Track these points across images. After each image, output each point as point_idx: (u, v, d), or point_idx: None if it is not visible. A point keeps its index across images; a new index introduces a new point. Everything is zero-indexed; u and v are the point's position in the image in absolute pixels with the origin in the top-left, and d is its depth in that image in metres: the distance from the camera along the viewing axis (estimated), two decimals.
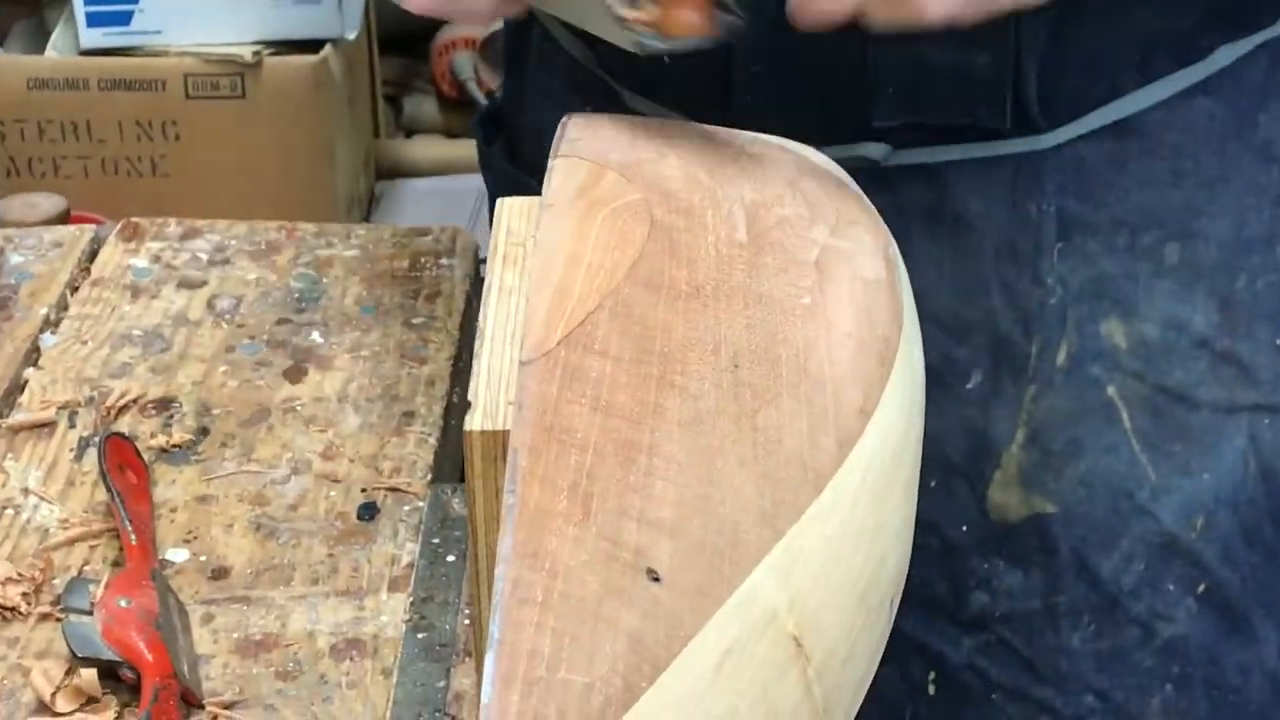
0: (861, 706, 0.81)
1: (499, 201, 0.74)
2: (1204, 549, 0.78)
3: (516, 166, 0.96)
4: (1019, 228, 0.75)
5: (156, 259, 0.99)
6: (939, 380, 0.78)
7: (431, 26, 2.18)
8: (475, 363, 0.66)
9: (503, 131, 0.98)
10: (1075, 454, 0.78)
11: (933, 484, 0.79)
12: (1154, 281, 0.78)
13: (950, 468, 0.79)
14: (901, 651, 0.80)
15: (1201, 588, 0.79)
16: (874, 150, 0.75)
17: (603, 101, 0.81)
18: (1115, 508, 0.78)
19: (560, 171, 0.69)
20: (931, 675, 0.81)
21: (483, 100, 2.15)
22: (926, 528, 0.79)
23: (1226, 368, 0.78)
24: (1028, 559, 0.79)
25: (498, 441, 0.60)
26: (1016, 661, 0.79)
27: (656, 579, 0.49)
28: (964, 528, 0.79)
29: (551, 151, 0.71)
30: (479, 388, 0.63)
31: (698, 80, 0.76)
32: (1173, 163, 0.76)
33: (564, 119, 0.73)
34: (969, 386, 0.78)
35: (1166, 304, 0.78)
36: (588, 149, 0.70)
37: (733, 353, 0.58)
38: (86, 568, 0.75)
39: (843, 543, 0.53)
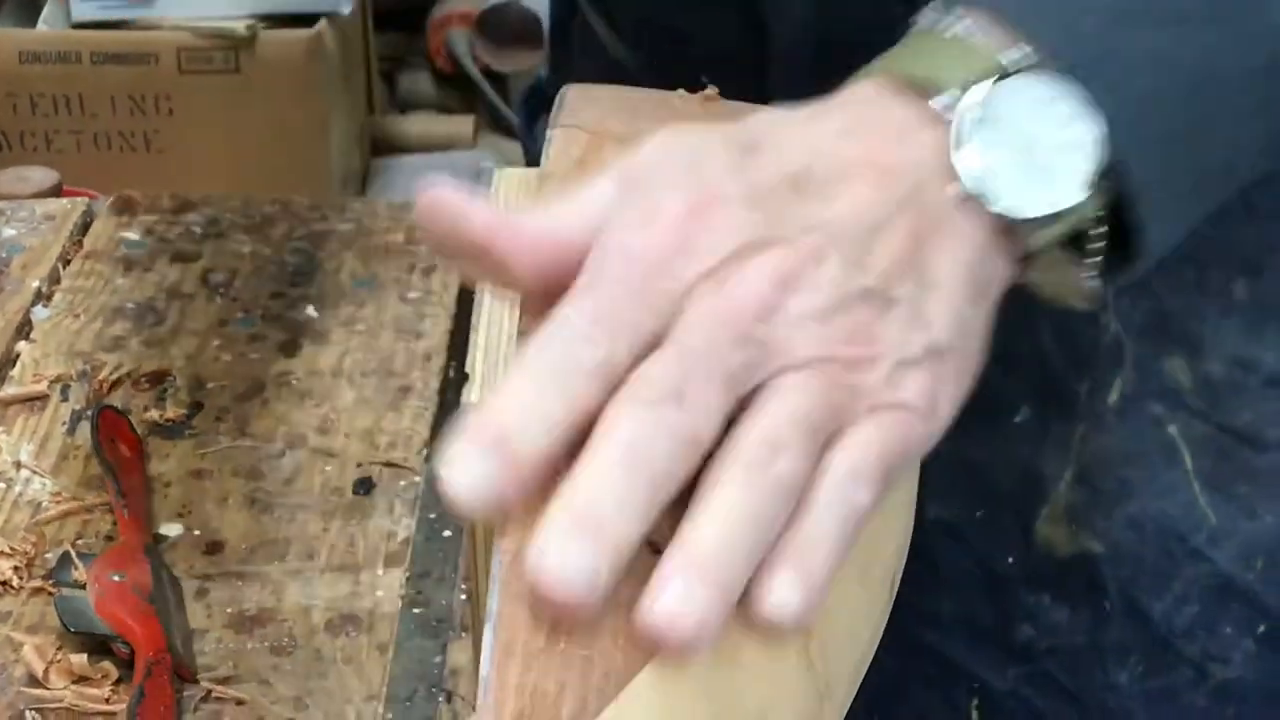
0: None
1: (496, 172, 0.74)
2: (1264, 590, 0.77)
3: None
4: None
5: (149, 232, 0.98)
6: (986, 412, 0.77)
7: (427, 2, 2.17)
8: (473, 335, 0.65)
9: (546, 109, 0.97)
10: (1126, 494, 0.76)
11: (979, 514, 0.78)
12: (1221, 319, 0.76)
13: (998, 499, 0.78)
14: (946, 677, 0.79)
15: (1261, 629, 0.77)
16: None
17: None
18: (1167, 550, 0.76)
19: (559, 141, 0.68)
20: (975, 702, 0.80)
21: (479, 77, 2.15)
22: (973, 557, 0.78)
23: None
24: (1075, 596, 0.77)
25: None
26: (1062, 695, 0.78)
27: (657, 551, 0.49)
28: (1010, 560, 0.78)
29: (550, 121, 0.70)
30: (477, 360, 0.63)
31: (731, 75, 0.74)
32: (1244, 196, 0.73)
33: (563, 89, 0.72)
34: (1017, 420, 0.77)
35: (1234, 342, 0.76)
36: (588, 119, 0.69)
37: None
38: (79, 542, 0.75)
39: None
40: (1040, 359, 0.76)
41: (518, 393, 0.48)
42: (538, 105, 0.98)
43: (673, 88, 0.68)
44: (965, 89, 0.51)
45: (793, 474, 0.47)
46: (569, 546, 0.45)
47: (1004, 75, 0.51)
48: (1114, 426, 0.75)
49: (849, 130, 0.51)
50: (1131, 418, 0.75)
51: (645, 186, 0.50)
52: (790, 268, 0.48)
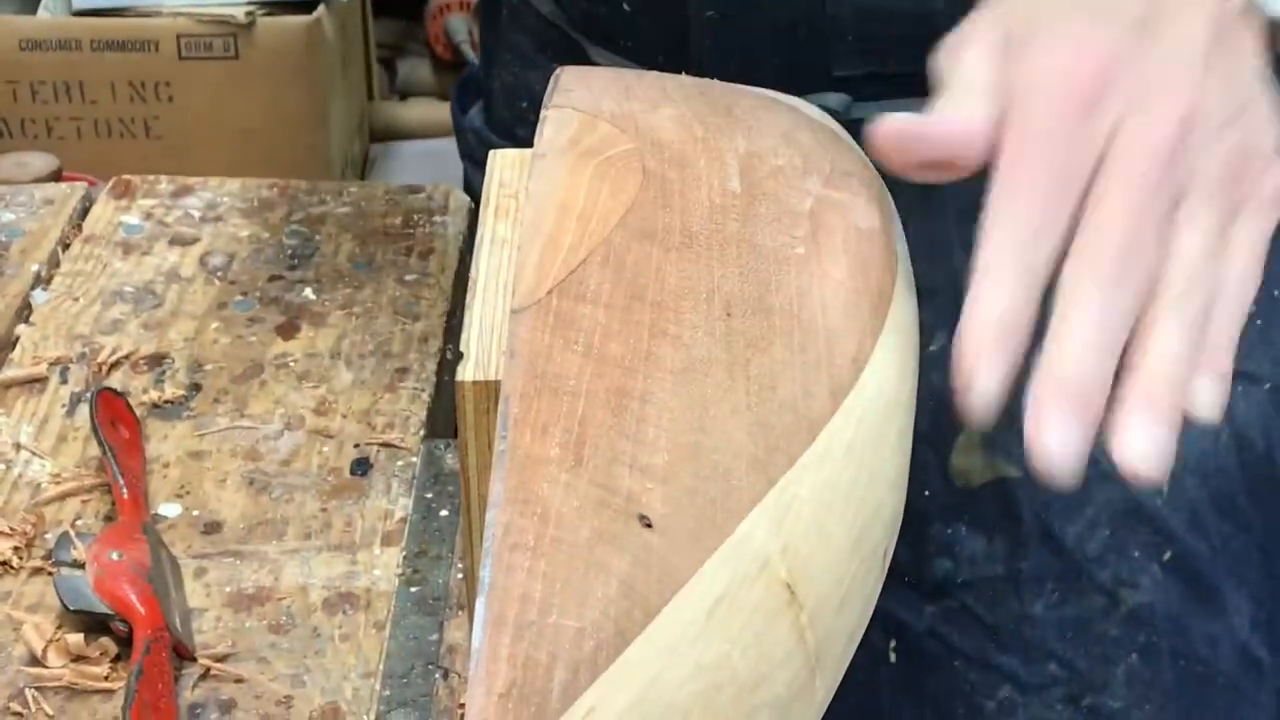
0: None
1: (491, 153, 0.74)
2: (1170, 516, 0.78)
3: (491, 128, 0.95)
4: (982, 188, 0.75)
5: (148, 216, 0.99)
6: None
7: None
8: (467, 314, 0.65)
9: (479, 96, 0.98)
10: None
11: None
12: None
13: (914, 432, 0.79)
14: None
15: (1167, 555, 0.78)
16: (834, 101, 0.75)
17: (567, 57, 0.80)
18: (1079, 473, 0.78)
19: (553, 122, 0.68)
20: (893, 644, 0.80)
21: (477, 63, 2.14)
22: None
23: None
24: (990, 525, 0.78)
25: (490, 392, 0.60)
26: (979, 629, 0.79)
27: (649, 525, 0.49)
28: (926, 493, 0.79)
29: (544, 102, 0.70)
30: (471, 339, 0.63)
31: (655, 31, 0.75)
32: None
33: (557, 70, 0.72)
34: (932, 349, 0.78)
35: None
36: (581, 100, 0.69)
37: (725, 301, 0.57)
38: (78, 522, 0.75)
39: (836, 491, 0.53)
40: (955, 286, 0.76)
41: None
42: (469, 96, 0.98)
43: (594, 40, 0.69)
44: None
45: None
46: (1067, 429, 0.52)
47: None
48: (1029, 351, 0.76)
49: None
50: (1039, 342, 0.76)
51: (1030, 43, 0.55)
52: (1187, 107, 0.54)
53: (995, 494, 0.78)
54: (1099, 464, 0.76)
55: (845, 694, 0.81)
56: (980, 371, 0.54)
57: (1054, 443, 0.52)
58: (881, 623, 0.79)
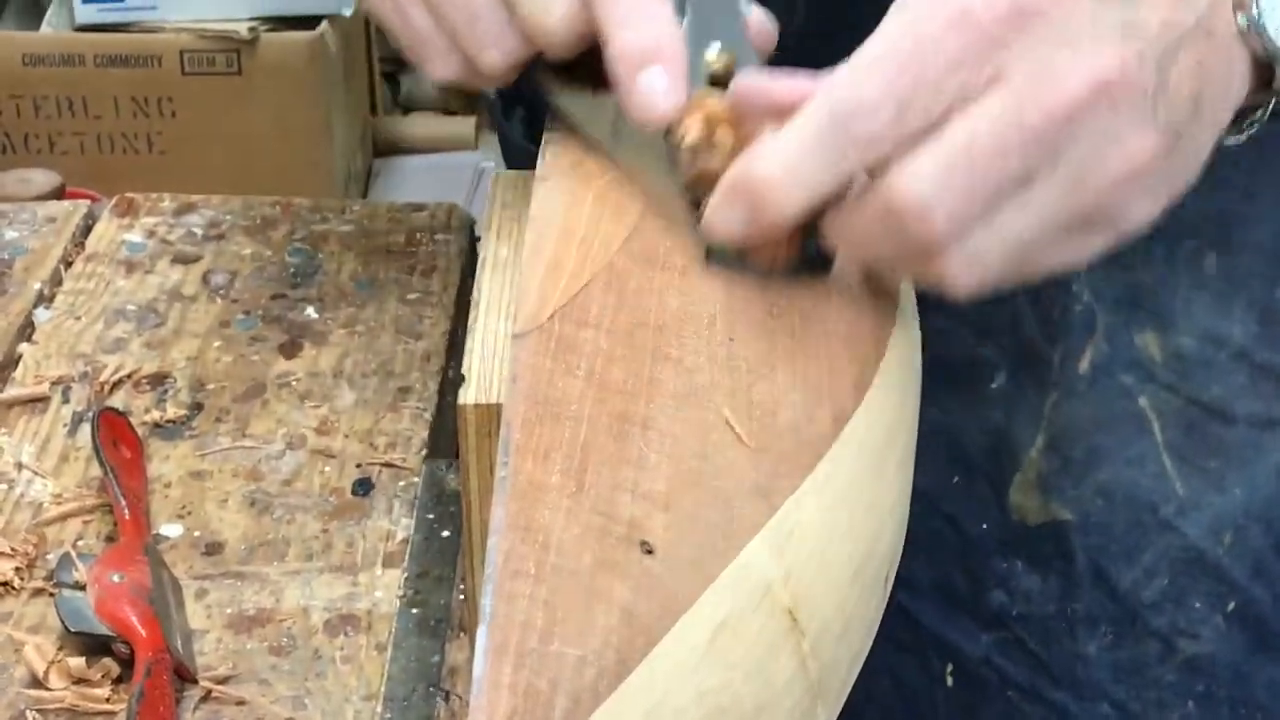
0: (883, 694, 0.81)
1: (493, 175, 0.74)
2: (1233, 565, 0.77)
3: (532, 140, 0.95)
4: None
5: (151, 234, 0.99)
6: (965, 378, 0.77)
7: None
8: (469, 337, 0.66)
9: (519, 102, 0.97)
10: (1096, 463, 0.77)
11: (955, 480, 0.78)
12: (1192, 292, 0.76)
13: (973, 465, 0.79)
14: (920, 642, 0.79)
15: (1231, 605, 0.78)
16: None
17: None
18: (1137, 520, 0.77)
19: (555, 145, 0.68)
20: (949, 668, 0.80)
21: None
22: (947, 523, 0.78)
23: (1266, 381, 0.77)
24: (1045, 563, 0.78)
25: (491, 415, 0.60)
26: (1032, 663, 0.79)
27: (650, 552, 0.49)
28: (984, 525, 0.79)
29: (546, 124, 0.70)
30: (473, 362, 0.63)
31: None
32: (1213, 171, 0.74)
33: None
34: (993, 386, 0.77)
35: (1204, 316, 0.76)
36: None
37: (728, 326, 0.57)
38: (80, 543, 0.75)
39: (837, 517, 0.53)
40: (1015, 326, 0.76)
41: (785, 150, 0.53)
42: (512, 99, 0.98)
43: None
44: None
45: None
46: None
47: None
48: (1085, 395, 0.76)
49: None
50: (1102, 387, 0.76)
51: None
52: (1116, 75, 0.52)
53: (1050, 534, 0.77)
54: (1157, 513, 0.76)
55: (903, 712, 0.81)
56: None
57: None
58: (938, 647, 0.79)
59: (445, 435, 0.85)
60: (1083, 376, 0.76)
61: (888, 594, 0.57)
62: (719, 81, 0.62)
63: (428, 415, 0.85)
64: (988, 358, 0.78)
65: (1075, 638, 0.78)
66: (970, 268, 0.54)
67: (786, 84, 0.56)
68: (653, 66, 0.60)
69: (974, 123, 0.52)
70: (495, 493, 0.51)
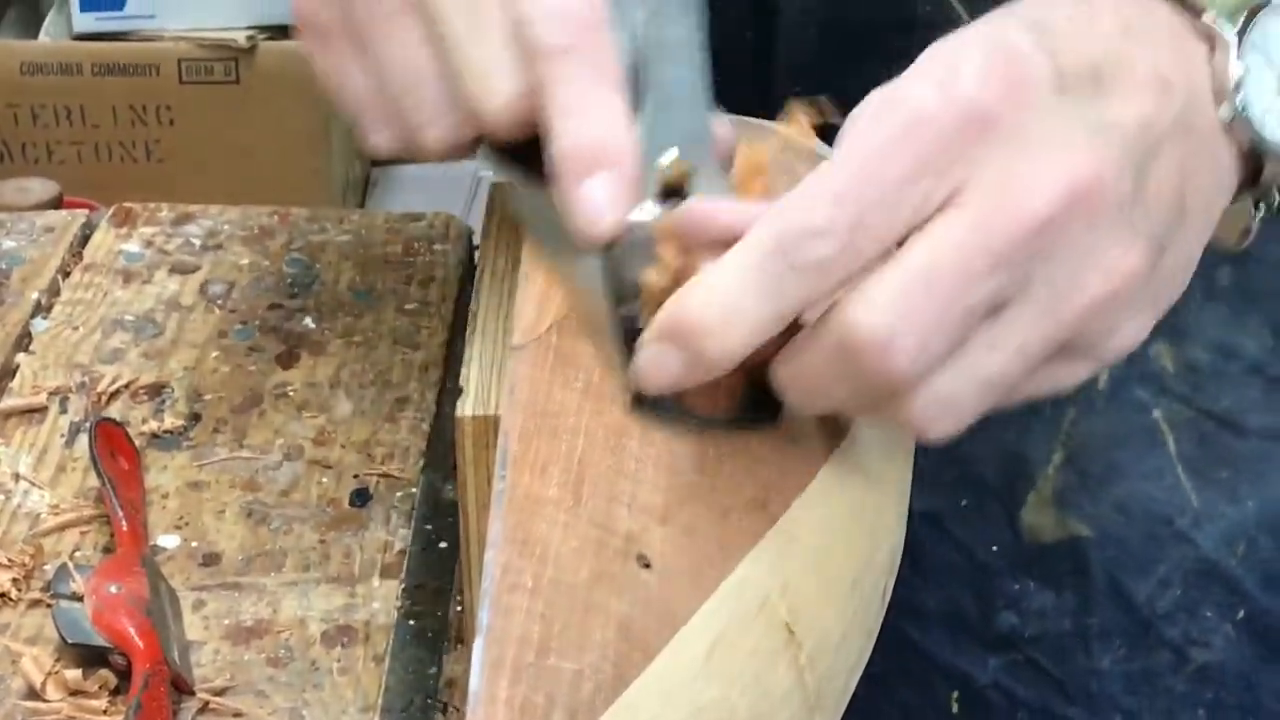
0: None
1: (492, 185, 0.74)
2: (1244, 575, 0.77)
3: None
4: None
5: (149, 244, 0.99)
6: None
7: None
8: (467, 348, 0.66)
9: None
10: (1113, 477, 0.77)
11: (965, 504, 0.78)
12: (1206, 305, 0.76)
13: (984, 488, 0.78)
14: (924, 671, 0.79)
15: (1240, 614, 0.78)
16: None
17: None
18: (1152, 533, 0.77)
19: None
20: (955, 694, 0.80)
21: None
22: (957, 547, 0.78)
23: (1278, 394, 0.77)
24: (1060, 581, 0.78)
25: (489, 427, 0.60)
26: (1045, 681, 0.79)
27: (647, 566, 0.49)
28: (995, 548, 0.78)
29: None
30: (470, 373, 0.63)
31: (736, 57, 0.73)
32: None
33: None
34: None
35: (1218, 328, 0.76)
36: None
37: None
38: (77, 554, 0.75)
39: (835, 529, 0.53)
40: None
41: (724, 283, 0.47)
42: None
43: None
44: (1230, 11, 0.51)
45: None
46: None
47: (1261, 5, 0.51)
48: (1103, 410, 0.76)
49: (1130, 28, 0.50)
50: (1118, 401, 0.76)
51: (943, 56, 0.48)
52: (1087, 183, 0.47)
53: (1066, 551, 0.77)
54: (1172, 525, 0.76)
55: None
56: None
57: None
58: (944, 675, 0.79)
59: (443, 446, 0.85)
60: (1101, 392, 0.76)
61: (885, 605, 0.57)
62: (672, 192, 0.55)
63: (425, 426, 0.85)
64: None
65: (1090, 653, 0.78)
66: (941, 411, 0.49)
67: (737, 210, 0.50)
68: (599, 173, 0.53)
69: (934, 245, 0.47)
70: (493, 505, 0.51)
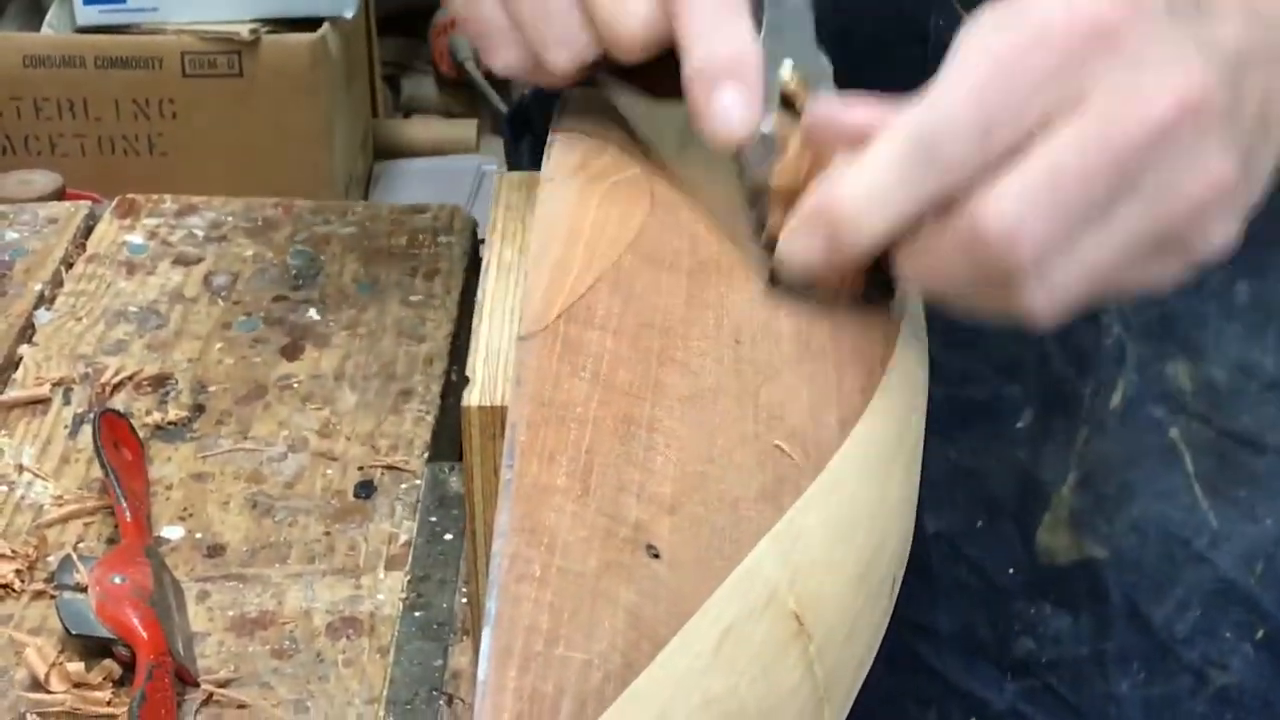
0: None
1: (498, 176, 0.74)
2: (1263, 595, 0.77)
3: (536, 168, 0.95)
4: None
5: (152, 235, 0.98)
6: (989, 418, 0.77)
7: (431, 6, 2.17)
8: (473, 338, 0.65)
9: (530, 130, 0.97)
10: (1129, 498, 0.76)
11: (979, 524, 0.77)
12: (1223, 322, 0.76)
13: (998, 508, 0.78)
14: (941, 696, 0.79)
15: (1260, 634, 0.77)
16: None
17: None
18: (1169, 554, 0.76)
19: (560, 145, 0.68)
20: None
21: (482, 81, 2.15)
22: (971, 569, 0.78)
23: None
24: (1076, 604, 0.77)
25: (496, 417, 0.60)
26: (1063, 708, 0.78)
27: (656, 555, 0.49)
28: (1010, 570, 0.78)
29: (552, 125, 0.70)
30: (477, 363, 0.63)
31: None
32: None
33: (564, 93, 0.72)
34: (1019, 426, 0.77)
35: (1236, 345, 0.76)
36: (589, 123, 0.69)
37: (735, 328, 0.57)
38: (81, 545, 0.75)
39: (844, 521, 0.53)
40: (1043, 363, 0.76)
41: (869, 176, 0.52)
42: (522, 125, 0.98)
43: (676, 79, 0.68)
44: None
45: None
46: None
47: None
48: (1117, 430, 0.75)
49: None
50: (1133, 421, 0.75)
51: None
52: (1198, 96, 0.50)
53: (1082, 573, 0.77)
54: (1190, 545, 0.75)
55: None
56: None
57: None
58: (960, 700, 0.79)
59: (447, 438, 0.85)
60: (1114, 411, 0.75)
61: (894, 598, 0.56)
62: (792, 100, 0.60)
63: (430, 418, 0.84)
64: (1013, 396, 0.77)
65: (1107, 678, 0.77)
66: (1050, 297, 0.52)
67: (862, 110, 0.54)
68: (730, 85, 0.58)
69: (1059, 147, 0.50)
70: (500, 495, 0.50)
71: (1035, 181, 0.50)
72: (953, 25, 0.60)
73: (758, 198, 0.59)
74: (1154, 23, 0.51)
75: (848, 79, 0.58)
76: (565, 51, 0.63)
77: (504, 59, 0.65)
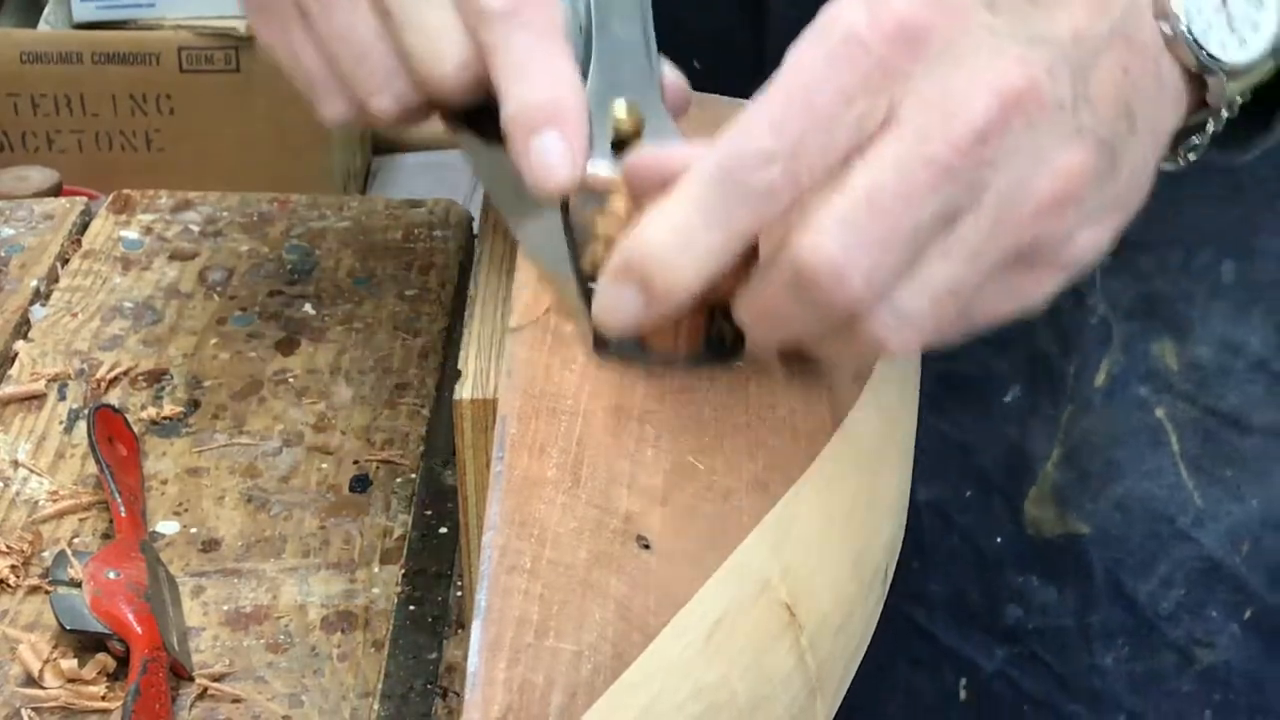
0: (896, 708, 0.80)
1: None
2: (1250, 574, 0.77)
3: None
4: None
5: (148, 231, 0.98)
6: (978, 391, 0.77)
7: None
8: (465, 331, 0.65)
9: None
10: (1113, 476, 0.76)
11: (969, 494, 0.78)
12: (1209, 301, 0.76)
13: (987, 480, 0.78)
14: (934, 657, 0.79)
15: (1247, 613, 0.77)
16: None
17: None
18: (1154, 532, 0.77)
19: None
20: (963, 682, 0.80)
21: None
22: (962, 537, 0.78)
23: None
24: (1062, 577, 0.78)
25: (488, 410, 0.60)
26: (1048, 676, 0.78)
27: (647, 546, 0.49)
28: (999, 540, 0.78)
29: None
30: (469, 357, 0.63)
31: (727, 59, 0.73)
32: (1231, 176, 0.72)
33: None
34: (1007, 400, 0.77)
35: (1222, 325, 0.76)
36: None
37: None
38: (76, 540, 0.75)
39: (836, 511, 0.53)
40: (1030, 339, 0.76)
41: (672, 216, 0.48)
42: None
43: None
44: None
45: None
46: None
47: None
48: (1101, 408, 0.75)
49: None
50: (1119, 399, 0.75)
51: None
52: (1019, 87, 0.47)
53: (1066, 548, 0.77)
54: (1174, 524, 0.76)
55: None
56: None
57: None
58: (953, 661, 0.79)
59: (443, 432, 0.84)
60: (1099, 389, 0.75)
61: (887, 588, 0.56)
62: (626, 141, 0.57)
63: (425, 412, 0.84)
64: (1001, 372, 0.77)
65: (1091, 650, 0.77)
66: (902, 327, 0.48)
67: (683, 154, 0.50)
68: (549, 131, 0.54)
69: (876, 166, 0.47)
70: (491, 487, 0.50)
71: (854, 208, 0.46)
72: None
73: (584, 252, 0.55)
74: (966, 19, 0.48)
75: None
76: (388, 97, 0.60)
77: (331, 109, 0.63)
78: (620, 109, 0.57)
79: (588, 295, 0.53)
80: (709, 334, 0.54)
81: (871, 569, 0.54)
